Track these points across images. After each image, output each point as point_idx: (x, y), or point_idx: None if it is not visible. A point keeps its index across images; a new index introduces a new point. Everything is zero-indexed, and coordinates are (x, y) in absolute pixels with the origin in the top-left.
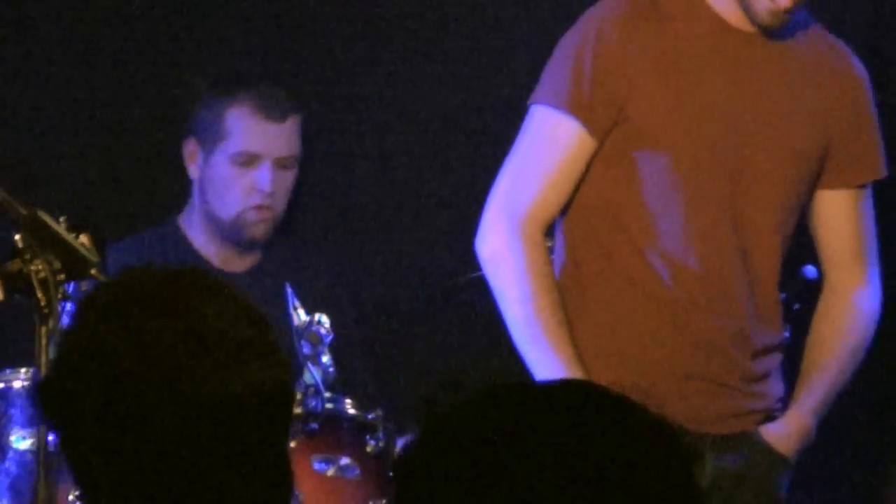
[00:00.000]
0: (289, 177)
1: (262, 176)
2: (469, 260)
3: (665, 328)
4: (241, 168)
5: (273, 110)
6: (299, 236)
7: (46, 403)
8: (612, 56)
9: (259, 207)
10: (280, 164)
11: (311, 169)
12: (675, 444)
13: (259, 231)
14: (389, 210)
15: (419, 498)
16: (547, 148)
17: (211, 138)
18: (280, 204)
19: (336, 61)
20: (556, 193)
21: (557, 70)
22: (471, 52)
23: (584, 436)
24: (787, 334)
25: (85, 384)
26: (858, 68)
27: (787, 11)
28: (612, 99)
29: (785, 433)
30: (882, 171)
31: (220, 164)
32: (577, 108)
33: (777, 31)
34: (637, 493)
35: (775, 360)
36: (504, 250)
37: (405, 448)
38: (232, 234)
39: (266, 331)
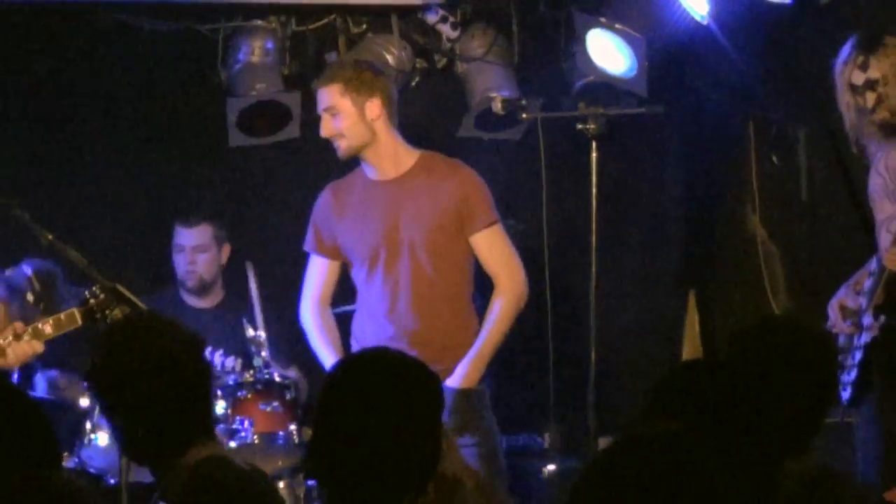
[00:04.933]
0: (204, 256)
1: (185, 256)
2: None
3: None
4: (178, 254)
5: (186, 222)
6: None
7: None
8: (321, 215)
9: (186, 272)
10: (195, 249)
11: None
12: (427, 371)
13: (192, 283)
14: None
15: (331, 405)
16: (313, 268)
17: (172, 242)
18: (201, 269)
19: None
20: (325, 287)
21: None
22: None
23: (386, 368)
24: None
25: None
26: (459, 175)
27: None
28: (325, 236)
29: (458, 376)
30: (485, 223)
31: (175, 253)
32: (312, 247)
33: (406, 173)
34: (411, 395)
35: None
36: (308, 315)
37: (322, 389)
38: (184, 286)
39: None
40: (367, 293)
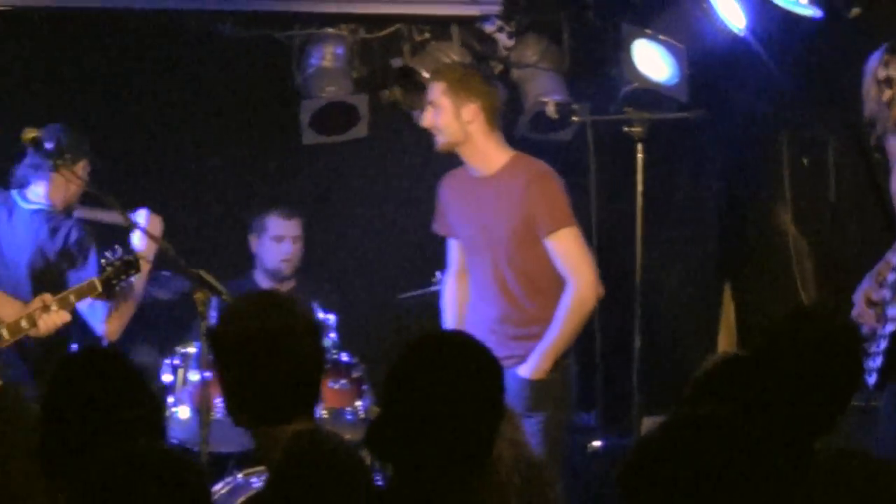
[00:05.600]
0: (298, 245)
1: (286, 246)
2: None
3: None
4: (277, 243)
5: (286, 215)
6: (314, 274)
7: (212, 345)
8: (440, 201)
9: (283, 262)
10: (294, 240)
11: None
12: (490, 357)
13: (289, 270)
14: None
15: (397, 381)
16: (449, 246)
17: (259, 232)
18: (296, 258)
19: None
20: (460, 263)
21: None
22: None
23: (445, 349)
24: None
25: (219, 337)
26: (531, 179)
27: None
28: (444, 221)
29: (527, 367)
30: (551, 229)
31: (272, 242)
32: (437, 229)
33: (495, 173)
34: (470, 380)
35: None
36: (444, 289)
37: (393, 368)
38: (275, 275)
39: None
40: (470, 277)
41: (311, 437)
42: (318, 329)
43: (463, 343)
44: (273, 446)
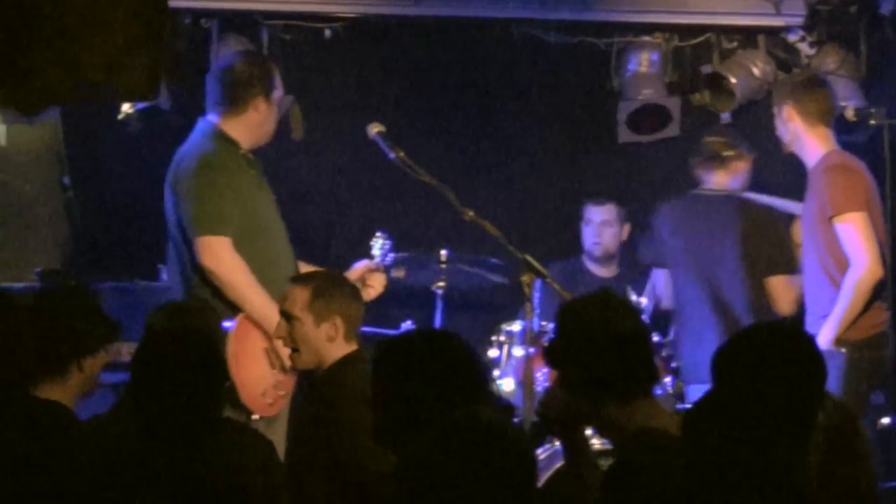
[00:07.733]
0: (609, 230)
1: (594, 229)
2: None
3: None
4: (587, 227)
5: (597, 201)
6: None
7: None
8: None
9: (594, 244)
10: (602, 224)
11: None
12: (814, 348)
13: (599, 253)
14: None
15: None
16: None
17: (581, 219)
18: (606, 241)
19: None
20: None
21: None
22: None
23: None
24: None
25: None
26: (823, 170)
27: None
28: None
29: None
30: (836, 212)
31: (584, 226)
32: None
33: (813, 166)
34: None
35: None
36: None
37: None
38: (591, 257)
39: None
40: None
41: (650, 441)
42: (636, 313)
43: (791, 334)
44: (619, 433)
